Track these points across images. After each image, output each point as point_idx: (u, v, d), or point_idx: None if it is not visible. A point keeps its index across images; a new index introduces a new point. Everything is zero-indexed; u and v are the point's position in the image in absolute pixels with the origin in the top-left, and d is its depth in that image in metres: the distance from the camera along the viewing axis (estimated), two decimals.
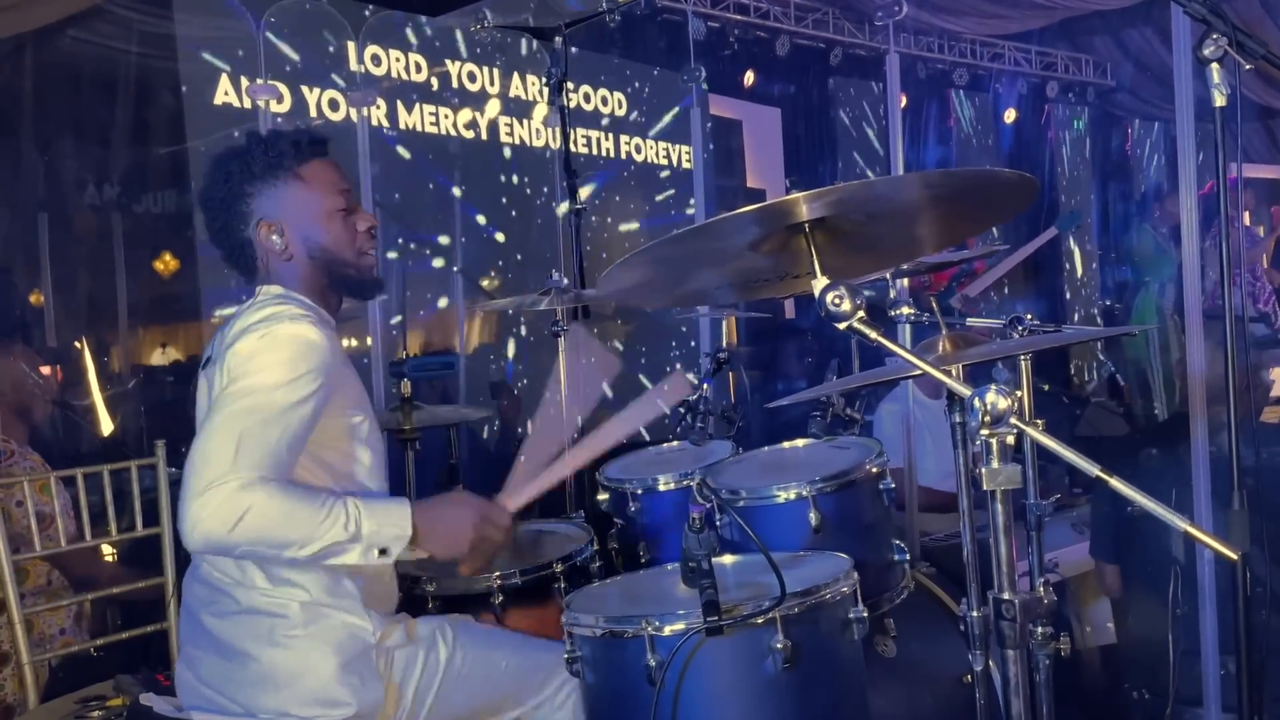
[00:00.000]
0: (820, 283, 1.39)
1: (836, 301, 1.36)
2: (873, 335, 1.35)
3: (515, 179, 5.96)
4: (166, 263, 5.18)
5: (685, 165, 6.74)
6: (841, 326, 1.37)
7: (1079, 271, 8.65)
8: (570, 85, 3.29)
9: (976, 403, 1.23)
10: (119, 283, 5.10)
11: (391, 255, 5.20)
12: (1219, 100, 1.92)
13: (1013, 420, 1.23)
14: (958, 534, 3.14)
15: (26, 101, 4.61)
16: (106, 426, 4.71)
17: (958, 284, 5.49)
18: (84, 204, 5.01)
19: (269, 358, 1.77)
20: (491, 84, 5.84)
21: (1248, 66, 1.93)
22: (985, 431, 1.24)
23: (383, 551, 1.78)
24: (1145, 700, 2.94)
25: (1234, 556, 1.11)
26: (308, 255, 1.95)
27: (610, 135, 6.45)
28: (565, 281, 2.98)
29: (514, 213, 5.97)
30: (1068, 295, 8.50)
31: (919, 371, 1.43)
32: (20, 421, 3.27)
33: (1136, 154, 9.15)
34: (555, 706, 2.08)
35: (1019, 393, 1.35)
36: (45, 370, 3.45)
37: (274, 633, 1.84)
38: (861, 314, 1.35)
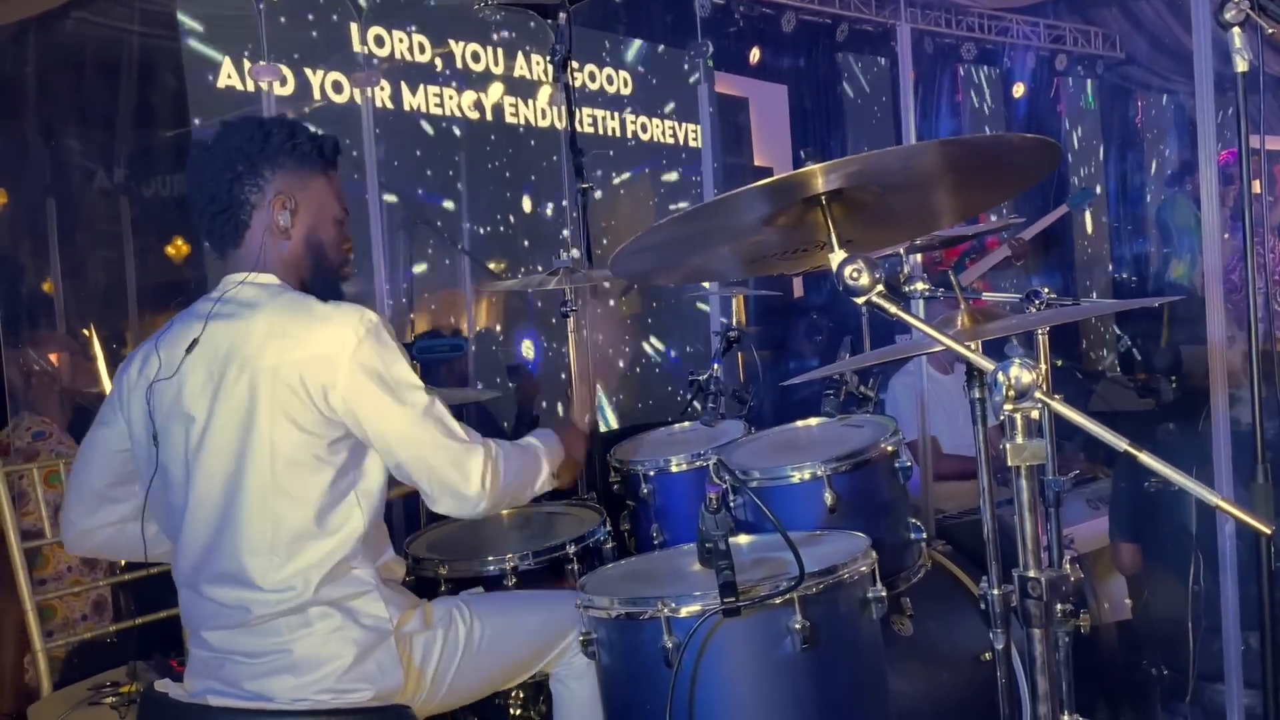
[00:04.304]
0: (838, 256, 1.36)
1: (855, 275, 1.33)
2: (892, 309, 1.32)
3: (521, 159, 5.92)
4: (179, 247, 5.15)
5: (693, 143, 6.69)
6: (859, 301, 1.34)
7: (1100, 244, 8.56)
8: (575, 64, 3.25)
9: (1000, 377, 1.20)
10: (128, 268, 5.08)
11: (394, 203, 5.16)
12: (1241, 65, 1.88)
13: (1038, 394, 1.20)
14: (973, 510, 3.12)
15: (30, 86, 4.58)
16: None
17: (969, 260, 5.43)
18: (91, 189, 4.98)
19: (393, 347, 1.86)
20: (496, 64, 5.79)
21: (1270, 30, 1.89)
22: (1009, 406, 1.21)
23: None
24: (1164, 676, 2.92)
25: (1268, 530, 1.09)
26: (304, 243, 1.96)
27: (615, 114, 6.40)
28: (576, 254, 2.96)
29: (521, 193, 5.93)
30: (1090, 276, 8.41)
31: (932, 347, 1.40)
32: (60, 408, 3.27)
33: (1148, 126, 9.06)
34: (575, 653, 2.07)
35: (1041, 366, 1.32)
36: (55, 358, 3.44)
37: (293, 630, 1.82)
38: (880, 288, 1.32)
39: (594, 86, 6.25)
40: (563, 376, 5.69)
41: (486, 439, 1.93)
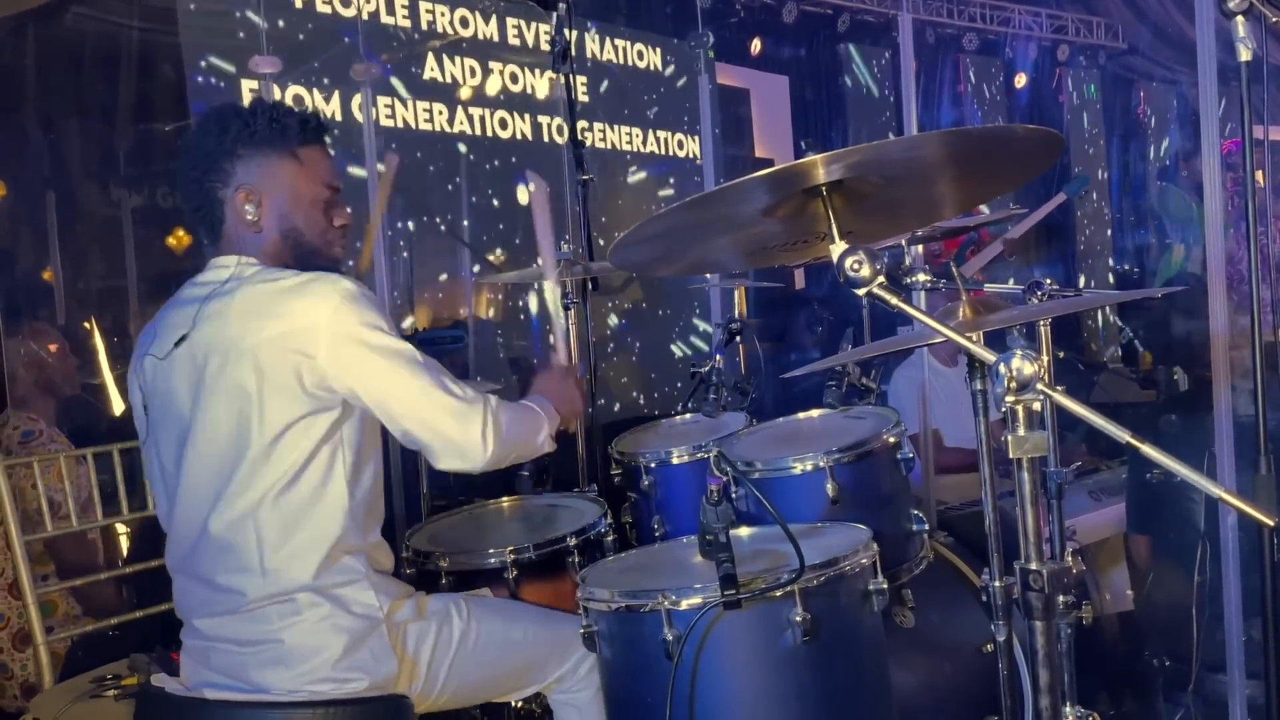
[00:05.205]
0: (838, 248, 1.34)
1: (855, 267, 1.32)
2: (893, 301, 1.31)
3: (521, 151, 5.91)
4: (179, 238, 5.14)
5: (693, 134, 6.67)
6: (860, 292, 1.32)
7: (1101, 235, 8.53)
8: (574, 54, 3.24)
9: (1002, 368, 1.19)
10: (128, 260, 5.07)
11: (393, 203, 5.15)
12: (1244, 54, 1.87)
13: (1039, 386, 1.19)
14: (975, 502, 3.12)
15: (29, 79, 4.57)
16: (118, 406, 4.70)
17: (968, 251, 5.41)
18: (91, 182, 4.97)
19: (373, 312, 1.82)
20: (496, 54, 5.77)
21: (1273, 19, 1.88)
22: (1011, 398, 1.20)
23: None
24: (1166, 667, 2.92)
25: (1270, 523, 1.08)
26: (278, 232, 1.92)
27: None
28: (567, 248, 2.96)
29: (520, 185, 5.92)
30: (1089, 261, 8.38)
31: (934, 339, 1.39)
32: (46, 401, 3.26)
33: (1150, 116, 9.03)
34: (577, 680, 2.06)
35: (1044, 358, 1.32)
36: (54, 348, 3.43)
37: (283, 618, 1.81)
38: (881, 279, 1.31)
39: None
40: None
41: (485, 394, 1.91)
